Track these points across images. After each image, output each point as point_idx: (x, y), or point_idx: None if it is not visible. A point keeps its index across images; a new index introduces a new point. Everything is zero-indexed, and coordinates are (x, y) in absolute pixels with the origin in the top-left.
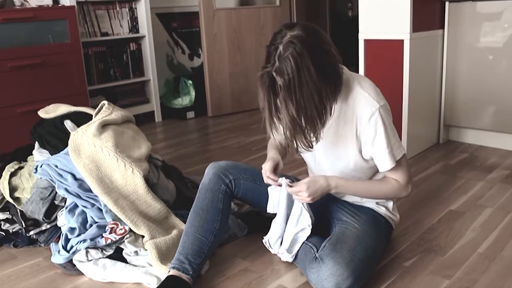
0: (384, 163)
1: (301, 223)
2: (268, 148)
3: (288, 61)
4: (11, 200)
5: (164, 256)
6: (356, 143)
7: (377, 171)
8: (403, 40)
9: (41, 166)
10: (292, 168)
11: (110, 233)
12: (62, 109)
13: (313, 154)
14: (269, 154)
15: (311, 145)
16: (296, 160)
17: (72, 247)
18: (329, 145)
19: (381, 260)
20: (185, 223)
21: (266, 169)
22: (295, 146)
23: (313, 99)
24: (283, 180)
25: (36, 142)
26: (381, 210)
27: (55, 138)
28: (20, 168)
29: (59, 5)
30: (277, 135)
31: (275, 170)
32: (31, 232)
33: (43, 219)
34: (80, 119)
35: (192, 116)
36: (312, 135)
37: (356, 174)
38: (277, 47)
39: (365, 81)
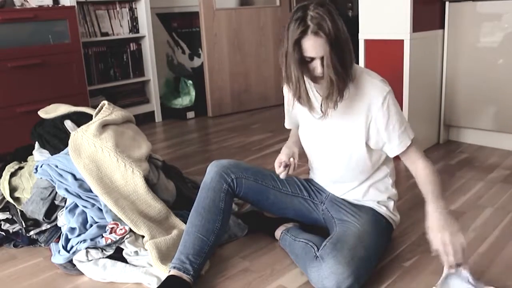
0: (402, 142)
1: None
2: (290, 135)
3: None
4: (11, 200)
5: (164, 256)
6: (364, 133)
7: (376, 170)
8: (403, 40)
9: (41, 166)
10: None
11: (110, 233)
12: (62, 109)
13: (317, 144)
14: (287, 143)
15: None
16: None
17: (72, 247)
18: (334, 135)
19: (381, 260)
20: (185, 223)
21: (281, 157)
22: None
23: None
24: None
25: (36, 142)
26: (382, 209)
27: (55, 138)
28: (20, 168)
29: (59, 5)
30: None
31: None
32: (31, 232)
33: (43, 219)
34: (80, 119)
35: (192, 116)
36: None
37: (355, 168)
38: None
39: (371, 72)
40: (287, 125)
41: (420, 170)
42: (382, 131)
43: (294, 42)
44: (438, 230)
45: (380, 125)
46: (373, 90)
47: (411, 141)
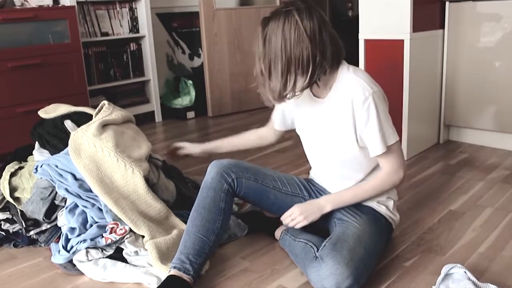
0: (376, 147)
1: None
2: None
3: None
4: (11, 200)
5: (164, 256)
6: (353, 131)
7: (374, 169)
8: (403, 40)
9: (41, 166)
10: (293, 168)
11: (110, 233)
12: (62, 109)
13: (312, 142)
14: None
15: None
16: (296, 160)
17: (72, 247)
18: (327, 134)
19: (381, 260)
20: (185, 223)
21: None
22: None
23: None
24: None
25: (36, 142)
26: (382, 209)
27: (55, 138)
28: (20, 168)
29: (59, 5)
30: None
31: (176, 151)
32: (31, 232)
33: (43, 219)
34: (80, 119)
35: (192, 116)
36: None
37: (350, 166)
38: None
39: (360, 71)
40: (277, 126)
41: (375, 177)
42: (363, 130)
43: None
44: (298, 204)
45: (361, 124)
46: (355, 88)
47: (387, 148)
